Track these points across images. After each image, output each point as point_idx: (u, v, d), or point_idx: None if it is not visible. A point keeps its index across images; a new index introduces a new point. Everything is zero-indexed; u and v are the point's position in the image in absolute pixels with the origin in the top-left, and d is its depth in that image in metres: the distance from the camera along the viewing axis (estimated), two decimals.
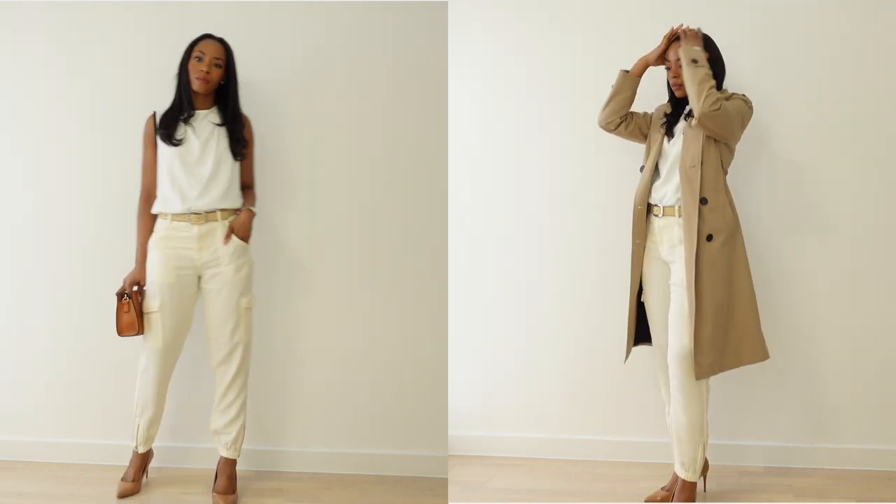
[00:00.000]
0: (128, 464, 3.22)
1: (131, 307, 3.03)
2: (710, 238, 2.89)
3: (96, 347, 3.40)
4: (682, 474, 2.98)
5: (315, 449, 3.48)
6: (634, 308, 3.10)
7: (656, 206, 3.02)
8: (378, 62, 3.43)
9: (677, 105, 3.08)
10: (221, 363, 3.13)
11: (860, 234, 3.33)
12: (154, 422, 3.19)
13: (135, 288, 3.07)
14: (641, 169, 3.10)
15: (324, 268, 3.46)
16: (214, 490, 3.13)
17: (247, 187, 3.23)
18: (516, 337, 3.64)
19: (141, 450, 3.21)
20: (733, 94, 2.96)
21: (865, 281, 3.34)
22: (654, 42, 3.07)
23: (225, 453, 3.18)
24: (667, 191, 2.99)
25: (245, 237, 3.08)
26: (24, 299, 3.52)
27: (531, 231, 3.61)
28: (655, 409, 3.34)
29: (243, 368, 3.16)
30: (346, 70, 3.43)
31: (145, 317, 3.06)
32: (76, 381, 3.50)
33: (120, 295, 3.06)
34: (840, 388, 3.37)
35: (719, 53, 2.98)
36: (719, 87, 2.97)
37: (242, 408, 3.18)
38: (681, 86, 2.97)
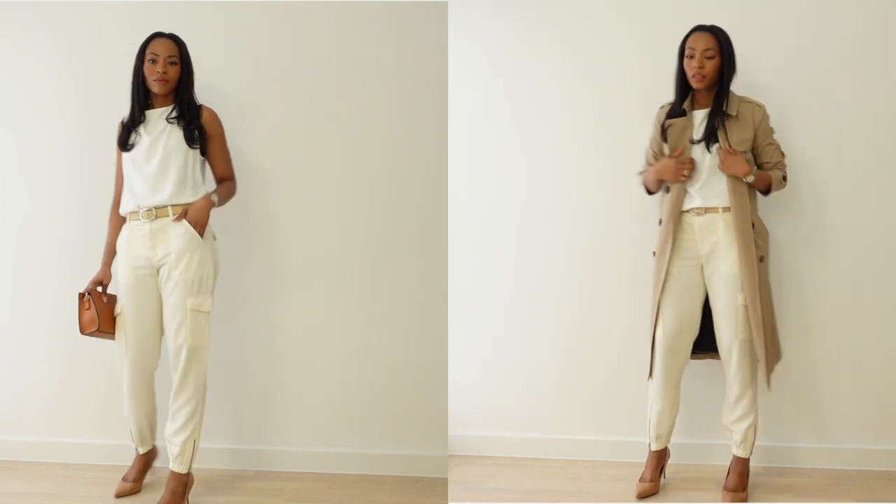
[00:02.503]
0: (130, 464, 3.23)
1: (91, 304, 3.00)
2: (762, 260, 3.01)
3: (96, 347, 3.40)
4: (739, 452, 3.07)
5: (315, 449, 3.48)
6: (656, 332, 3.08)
7: (697, 208, 3.03)
8: (378, 62, 3.43)
9: (682, 95, 3.04)
10: (172, 366, 3.02)
11: (860, 233, 3.33)
12: (142, 423, 3.12)
13: (99, 288, 3.07)
14: (667, 190, 3.09)
15: (325, 269, 3.46)
16: None
17: (224, 179, 3.16)
18: (516, 337, 3.64)
19: (141, 451, 3.21)
20: (755, 105, 3.01)
21: (865, 281, 3.34)
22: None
23: (171, 465, 3.01)
24: (707, 194, 3.00)
25: (197, 222, 2.95)
26: (25, 300, 3.52)
27: (531, 231, 3.61)
28: None
29: (190, 375, 2.97)
30: (347, 70, 3.43)
31: (116, 319, 3.04)
32: (76, 381, 3.50)
33: (82, 294, 3.05)
34: (840, 388, 3.37)
35: (733, 51, 2.98)
36: (728, 84, 2.98)
37: (191, 418, 2.98)
38: (704, 77, 2.97)
